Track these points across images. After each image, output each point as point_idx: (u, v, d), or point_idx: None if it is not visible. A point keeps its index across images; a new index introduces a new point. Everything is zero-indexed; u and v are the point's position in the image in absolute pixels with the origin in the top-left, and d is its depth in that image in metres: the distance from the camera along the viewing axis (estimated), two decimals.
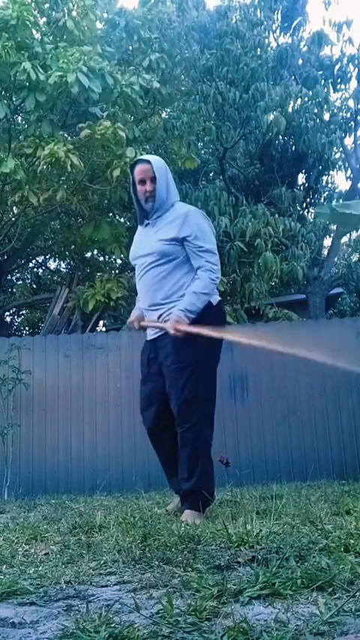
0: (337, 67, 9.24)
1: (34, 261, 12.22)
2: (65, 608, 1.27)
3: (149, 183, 2.74)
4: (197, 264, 2.71)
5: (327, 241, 10.76)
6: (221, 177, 9.30)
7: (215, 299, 2.79)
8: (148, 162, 2.76)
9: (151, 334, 2.83)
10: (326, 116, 8.83)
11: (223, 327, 2.94)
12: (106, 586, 1.45)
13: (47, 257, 12.27)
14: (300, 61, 9.39)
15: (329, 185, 11.19)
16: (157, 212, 2.78)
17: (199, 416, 2.64)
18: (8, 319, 12.48)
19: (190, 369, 2.64)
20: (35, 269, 12.77)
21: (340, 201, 9.68)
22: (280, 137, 9.19)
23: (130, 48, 7.72)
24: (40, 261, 12.50)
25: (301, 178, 10.44)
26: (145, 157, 2.86)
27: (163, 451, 2.86)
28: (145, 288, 2.80)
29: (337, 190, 11.18)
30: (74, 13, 7.08)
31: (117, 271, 9.37)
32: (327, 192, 11.03)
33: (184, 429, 2.63)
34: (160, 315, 2.74)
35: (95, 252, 9.98)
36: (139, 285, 2.87)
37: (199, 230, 2.70)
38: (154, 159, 2.81)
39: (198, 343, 2.64)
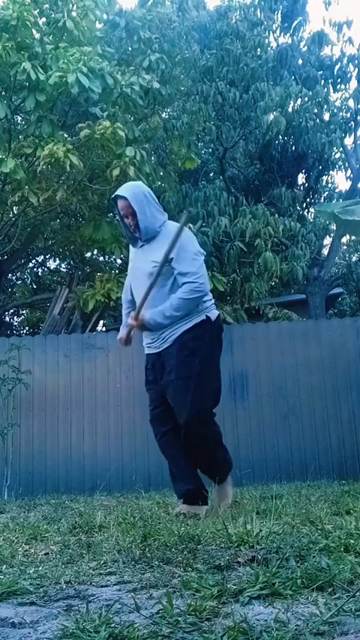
0: (337, 67, 9.25)
1: (34, 261, 12.22)
2: (65, 608, 1.27)
3: (131, 218, 2.82)
4: (180, 281, 2.77)
5: (327, 241, 10.76)
6: (221, 177, 9.30)
7: (214, 314, 2.88)
8: (125, 198, 2.80)
9: (151, 348, 2.88)
10: (326, 116, 8.84)
11: (220, 341, 3.04)
12: (106, 586, 1.45)
13: (47, 257, 12.28)
14: (300, 61, 9.40)
15: (329, 185, 11.21)
16: (146, 236, 2.85)
17: (207, 424, 2.81)
18: (8, 319, 12.48)
19: (194, 382, 2.72)
20: (35, 269, 12.78)
21: (340, 200, 9.68)
22: (280, 137, 9.20)
23: (130, 48, 7.72)
24: (40, 261, 12.50)
25: (301, 178, 10.44)
26: (122, 190, 2.85)
27: (169, 453, 2.89)
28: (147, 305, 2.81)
29: (337, 190, 11.19)
30: (74, 14, 7.08)
31: (117, 271, 9.37)
32: (327, 192, 11.04)
33: (197, 442, 2.77)
34: (163, 336, 2.81)
35: (95, 252, 9.99)
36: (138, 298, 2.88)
37: (182, 251, 2.72)
38: (130, 192, 2.81)
39: (200, 354, 2.76)
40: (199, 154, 9.02)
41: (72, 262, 11.24)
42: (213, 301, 2.93)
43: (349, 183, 10.22)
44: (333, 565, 1.40)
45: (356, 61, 9.27)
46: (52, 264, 12.85)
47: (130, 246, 3.01)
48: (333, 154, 9.86)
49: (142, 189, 2.86)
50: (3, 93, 6.77)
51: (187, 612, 1.15)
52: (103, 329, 10.04)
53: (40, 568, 1.64)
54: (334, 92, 9.43)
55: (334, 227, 9.78)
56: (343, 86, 9.43)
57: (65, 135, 6.74)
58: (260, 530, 1.82)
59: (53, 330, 7.59)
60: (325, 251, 10.51)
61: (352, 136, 9.57)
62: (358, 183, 10.02)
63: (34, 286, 12.54)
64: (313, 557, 1.52)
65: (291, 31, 9.89)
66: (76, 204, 7.58)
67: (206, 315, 2.81)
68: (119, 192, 2.85)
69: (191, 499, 2.74)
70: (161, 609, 1.19)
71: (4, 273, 9.59)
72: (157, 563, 1.61)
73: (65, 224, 9.16)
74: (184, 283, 2.72)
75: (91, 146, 6.85)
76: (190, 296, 2.71)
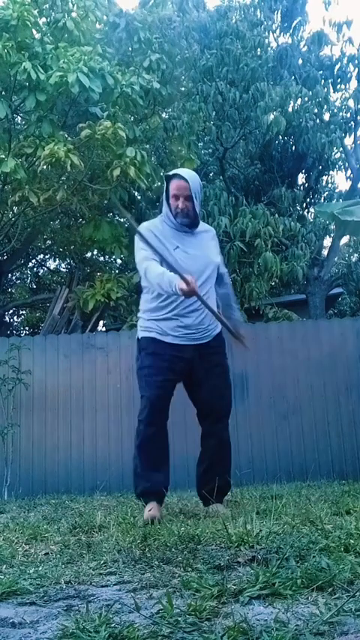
0: (337, 67, 9.24)
1: (33, 261, 12.23)
2: (65, 608, 1.27)
3: (182, 201, 2.81)
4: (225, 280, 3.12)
5: (327, 241, 10.76)
6: (221, 177, 9.30)
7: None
8: (186, 180, 2.80)
9: (190, 339, 2.83)
10: (326, 116, 8.84)
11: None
12: (106, 586, 1.45)
13: (47, 257, 12.28)
14: (300, 61, 9.39)
15: (329, 185, 11.20)
16: (197, 223, 2.92)
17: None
18: (8, 319, 12.48)
19: (229, 374, 3.00)
20: (35, 269, 12.78)
21: (340, 201, 9.68)
22: (280, 137, 9.19)
23: (131, 48, 7.72)
24: (39, 261, 12.50)
25: (301, 178, 10.44)
26: (184, 173, 2.87)
27: (161, 445, 2.81)
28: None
29: (337, 190, 11.18)
30: (74, 14, 7.09)
31: (117, 271, 9.37)
32: (327, 192, 11.03)
33: (225, 429, 2.93)
34: (208, 328, 2.90)
35: (95, 252, 9.99)
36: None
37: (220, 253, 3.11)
38: (191, 178, 2.83)
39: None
40: (199, 154, 9.02)
41: (72, 262, 11.24)
42: None
43: (349, 183, 10.21)
44: (333, 565, 1.40)
45: (356, 61, 9.26)
46: (52, 264, 12.86)
47: (166, 228, 2.88)
48: (333, 153, 9.85)
49: (199, 179, 2.90)
50: (3, 93, 6.77)
51: (187, 612, 1.15)
52: (103, 329, 10.04)
53: (40, 568, 1.64)
54: (334, 92, 9.42)
55: (334, 227, 9.78)
56: (343, 86, 9.42)
57: (66, 135, 6.74)
58: (260, 530, 1.82)
59: (53, 330, 7.59)
60: (325, 251, 10.51)
61: (352, 136, 9.56)
62: (358, 183, 10.01)
63: (34, 286, 12.54)
64: (313, 557, 1.52)
65: (291, 31, 9.88)
66: (76, 204, 7.58)
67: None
68: (181, 173, 2.86)
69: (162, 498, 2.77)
70: (161, 609, 1.19)
71: (4, 273, 9.59)
72: (157, 563, 1.61)
73: (65, 224, 9.16)
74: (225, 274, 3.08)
75: (91, 146, 6.85)
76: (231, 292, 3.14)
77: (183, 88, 8.81)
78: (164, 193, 2.93)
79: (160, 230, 2.87)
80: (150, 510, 2.55)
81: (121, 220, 9.10)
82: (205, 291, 2.83)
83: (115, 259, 10.59)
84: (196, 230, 2.93)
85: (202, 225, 3.02)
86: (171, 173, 2.92)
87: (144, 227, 2.90)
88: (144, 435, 2.75)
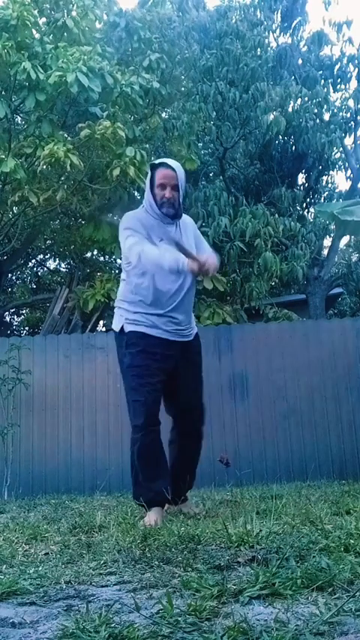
0: (337, 67, 9.25)
1: (33, 261, 12.23)
2: (65, 608, 1.27)
3: (169, 190, 2.73)
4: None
5: (327, 241, 10.76)
6: (221, 177, 9.30)
7: None
8: (173, 170, 2.74)
9: (176, 335, 2.77)
10: (326, 116, 8.84)
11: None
12: (106, 586, 1.45)
13: (47, 257, 12.28)
14: (300, 61, 9.39)
15: (329, 185, 11.19)
16: (180, 214, 2.85)
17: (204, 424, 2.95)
18: (8, 319, 12.48)
19: (201, 377, 2.96)
20: (35, 269, 12.78)
21: (340, 201, 9.68)
22: (280, 137, 9.19)
23: (130, 48, 7.72)
24: (39, 261, 12.51)
25: (301, 178, 10.44)
26: (171, 162, 2.82)
27: (159, 451, 2.72)
28: (181, 298, 2.76)
29: (337, 190, 11.18)
30: (74, 13, 7.09)
31: (117, 271, 9.37)
32: (327, 192, 11.03)
33: (199, 437, 2.91)
34: (191, 326, 2.87)
35: (95, 252, 9.99)
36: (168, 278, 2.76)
37: (204, 241, 3.03)
38: (178, 167, 2.78)
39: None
40: (199, 154, 9.02)
41: (72, 262, 11.24)
42: None
43: (349, 183, 10.22)
44: (333, 565, 1.40)
45: (356, 61, 9.26)
46: (52, 264, 12.86)
47: (150, 219, 2.80)
48: (333, 154, 9.85)
49: (183, 170, 2.85)
50: (3, 93, 6.77)
51: (187, 612, 1.15)
52: (103, 329, 10.03)
53: (40, 568, 1.64)
54: (334, 92, 9.42)
55: (334, 227, 9.78)
56: (343, 86, 9.42)
57: (65, 135, 6.74)
58: (260, 530, 1.82)
59: (53, 330, 7.59)
60: (325, 251, 10.51)
61: (352, 136, 9.56)
62: (358, 183, 10.02)
63: (34, 286, 12.54)
64: (313, 557, 1.52)
65: (291, 31, 9.88)
66: (76, 204, 7.58)
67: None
68: (167, 162, 2.81)
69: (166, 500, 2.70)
70: (161, 609, 1.19)
71: (4, 273, 9.59)
72: (157, 563, 1.61)
73: (65, 224, 9.16)
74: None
75: (91, 146, 6.85)
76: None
77: (183, 88, 8.81)
78: (148, 182, 2.82)
79: (146, 222, 2.79)
80: (152, 517, 2.50)
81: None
82: (189, 283, 2.78)
83: (115, 259, 10.59)
84: (181, 222, 2.86)
85: (183, 216, 2.92)
86: (157, 162, 2.86)
87: (130, 216, 2.83)
88: (143, 443, 2.63)
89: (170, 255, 2.60)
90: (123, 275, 2.86)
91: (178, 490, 2.83)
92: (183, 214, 2.91)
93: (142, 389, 2.66)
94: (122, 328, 2.77)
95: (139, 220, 2.79)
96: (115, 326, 2.83)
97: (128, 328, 2.74)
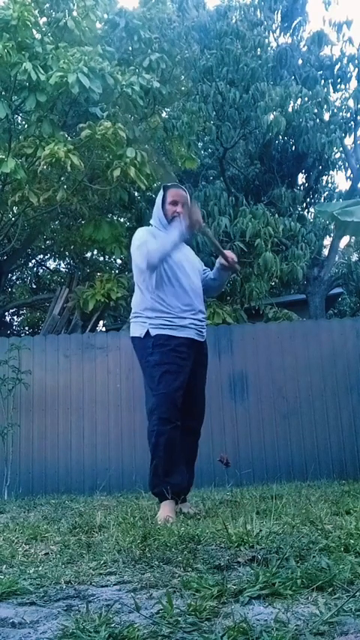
0: (337, 67, 9.24)
1: (33, 261, 12.23)
2: (65, 608, 1.27)
3: (181, 207, 2.98)
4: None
5: (327, 241, 10.76)
6: (221, 177, 9.30)
7: None
8: (185, 190, 3.07)
9: (199, 334, 2.96)
10: (326, 116, 8.83)
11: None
12: (106, 586, 1.45)
13: (47, 257, 12.28)
14: (300, 61, 9.39)
15: (329, 185, 11.19)
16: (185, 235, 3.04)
17: None
18: (8, 319, 12.48)
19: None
20: (35, 269, 12.78)
21: (340, 201, 9.68)
22: (280, 137, 9.19)
23: (130, 48, 7.72)
24: (39, 261, 12.50)
25: (301, 178, 10.44)
26: (180, 185, 3.17)
27: (179, 446, 2.83)
28: (195, 293, 2.99)
29: (337, 190, 11.18)
30: (75, 14, 7.09)
31: (117, 271, 9.38)
32: (327, 192, 11.02)
33: (198, 432, 3.03)
34: (205, 325, 3.05)
35: (95, 252, 9.99)
36: (186, 282, 2.97)
37: None
38: (185, 190, 3.10)
39: None
40: (199, 154, 9.02)
41: (72, 262, 11.24)
42: None
43: (349, 183, 10.21)
44: (333, 565, 1.40)
45: (356, 61, 9.25)
46: (52, 264, 12.87)
47: (158, 232, 3.00)
48: (333, 154, 9.84)
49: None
50: (3, 93, 6.77)
51: (187, 612, 1.15)
52: (103, 329, 10.04)
53: (40, 568, 1.64)
54: (334, 92, 9.41)
55: (334, 227, 9.77)
56: (343, 86, 9.41)
57: (66, 135, 6.74)
58: (260, 530, 1.82)
59: (53, 330, 7.59)
60: (325, 251, 10.51)
61: (352, 136, 9.56)
62: (358, 183, 10.01)
63: (34, 286, 12.54)
64: (313, 557, 1.52)
65: (291, 31, 9.88)
66: (76, 204, 7.58)
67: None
68: (178, 184, 3.15)
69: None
70: (161, 609, 1.19)
71: (4, 273, 9.59)
72: (157, 563, 1.61)
73: (65, 224, 9.16)
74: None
75: (91, 146, 6.86)
76: None
77: (183, 88, 8.81)
78: (159, 200, 3.06)
79: (157, 234, 2.99)
80: (166, 511, 2.62)
81: (121, 220, 9.11)
82: (200, 287, 3.07)
83: (115, 259, 10.59)
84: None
85: None
86: (169, 184, 3.13)
87: (145, 230, 3.04)
88: (170, 436, 2.74)
89: (169, 232, 2.86)
90: (138, 287, 3.01)
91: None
92: None
93: (173, 383, 2.78)
94: (147, 332, 2.89)
95: (150, 233, 3.00)
96: (138, 332, 2.93)
97: (155, 332, 2.87)
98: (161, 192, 3.08)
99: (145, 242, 2.90)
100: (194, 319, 2.93)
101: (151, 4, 8.07)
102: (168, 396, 2.75)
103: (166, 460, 2.74)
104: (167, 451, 2.74)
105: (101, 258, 10.54)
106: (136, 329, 2.95)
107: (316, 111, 8.59)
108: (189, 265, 3.00)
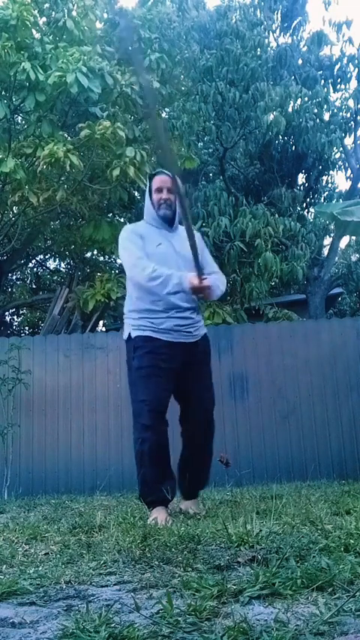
0: (337, 67, 9.24)
1: (33, 261, 12.22)
2: (65, 608, 1.27)
3: (166, 192, 2.91)
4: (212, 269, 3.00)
5: (327, 241, 10.76)
6: (221, 177, 9.30)
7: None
8: (169, 175, 2.92)
9: (185, 334, 2.82)
10: (326, 116, 8.83)
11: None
12: (106, 586, 1.45)
13: (47, 257, 12.28)
14: (300, 61, 9.39)
15: (329, 185, 11.19)
16: (171, 223, 2.94)
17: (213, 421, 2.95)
18: (8, 319, 12.48)
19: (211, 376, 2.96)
20: (35, 269, 12.78)
21: (340, 201, 9.68)
22: (280, 137, 9.19)
23: (130, 47, 7.71)
24: (39, 261, 12.50)
25: (301, 178, 10.44)
26: (167, 170, 2.98)
27: (167, 451, 2.76)
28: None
29: (337, 190, 11.18)
30: (74, 13, 7.08)
31: (117, 271, 9.37)
32: (327, 192, 11.02)
33: (210, 434, 2.90)
34: (198, 325, 2.92)
35: (95, 252, 9.99)
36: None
37: (209, 254, 3.10)
38: (173, 174, 2.93)
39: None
40: (199, 153, 9.02)
41: (72, 262, 11.24)
42: None
43: (349, 183, 10.22)
44: (333, 565, 1.40)
45: (356, 61, 9.26)
46: (52, 264, 12.86)
47: (149, 228, 2.93)
48: (333, 154, 9.84)
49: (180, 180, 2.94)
50: (3, 93, 6.78)
51: (187, 612, 1.15)
52: (103, 329, 10.04)
53: (40, 568, 1.64)
54: (334, 92, 9.42)
55: (334, 227, 9.77)
56: (343, 86, 9.42)
57: (65, 135, 6.73)
58: (260, 530, 1.82)
59: (53, 330, 7.59)
60: (325, 251, 10.51)
61: (352, 136, 9.56)
62: (358, 183, 10.02)
63: (34, 286, 12.54)
64: (313, 557, 1.52)
65: (291, 31, 9.89)
66: (76, 204, 7.58)
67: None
68: (163, 170, 3.00)
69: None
70: (161, 609, 1.18)
71: (4, 273, 9.59)
72: (157, 563, 1.61)
73: (65, 224, 9.16)
74: (215, 273, 2.95)
75: (91, 146, 6.85)
76: (223, 283, 2.99)
77: (183, 88, 8.81)
78: (147, 192, 3.00)
79: (144, 232, 2.91)
80: (161, 516, 2.55)
81: (121, 220, 9.10)
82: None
83: (115, 259, 10.60)
84: (177, 229, 2.96)
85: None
86: (154, 172, 3.07)
87: (129, 229, 2.94)
88: (152, 443, 2.66)
89: (175, 275, 2.69)
90: (127, 286, 2.97)
91: (187, 486, 2.93)
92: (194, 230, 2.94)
93: (146, 389, 2.69)
94: (129, 335, 2.84)
95: (134, 232, 2.92)
96: (124, 335, 2.90)
97: (135, 333, 2.81)
98: (148, 183, 3.02)
99: (130, 249, 2.81)
100: (180, 318, 2.78)
101: (151, 4, 8.06)
102: (148, 403, 2.66)
103: (152, 467, 2.68)
104: (152, 458, 2.67)
105: (101, 258, 10.55)
106: (124, 331, 2.92)
107: (316, 111, 8.59)
108: (176, 259, 2.81)
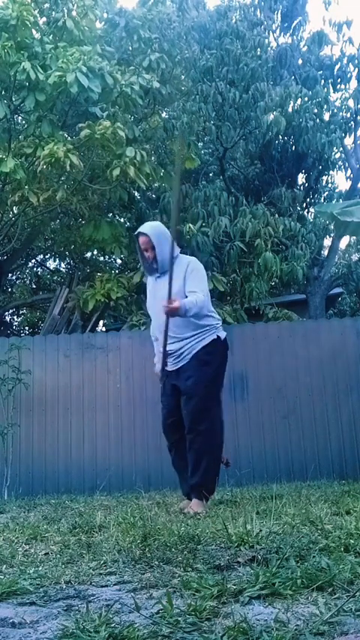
0: (337, 67, 9.24)
1: (33, 261, 12.22)
2: (65, 608, 1.27)
3: (150, 251, 3.25)
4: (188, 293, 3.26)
5: (327, 241, 10.75)
6: (221, 177, 9.29)
7: (222, 334, 3.33)
8: (146, 235, 3.23)
9: (171, 366, 3.24)
10: (326, 116, 8.83)
11: (226, 357, 3.41)
12: (106, 586, 1.45)
13: (47, 257, 12.28)
14: (300, 61, 9.39)
15: (329, 185, 11.18)
16: (163, 269, 3.25)
17: (207, 424, 3.19)
18: (8, 319, 12.47)
19: (204, 384, 3.19)
20: (35, 269, 12.77)
21: (340, 201, 9.68)
22: (280, 137, 9.18)
23: (130, 48, 7.71)
24: (40, 261, 12.50)
25: (301, 178, 10.43)
26: (145, 228, 3.28)
27: (180, 461, 3.26)
28: (160, 326, 3.25)
29: (337, 190, 11.17)
30: (74, 13, 7.08)
31: (117, 271, 9.37)
32: (327, 192, 11.01)
33: (194, 434, 3.15)
34: (181, 354, 3.24)
35: (95, 252, 9.98)
36: (154, 317, 3.34)
37: (195, 278, 3.24)
38: (151, 230, 3.25)
39: (212, 365, 3.26)
40: (199, 153, 9.02)
41: (72, 262, 11.24)
42: (221, 322, 3.41)
43: (349, 183, 10.21)
44: (333, 565, 1.40)
45: (356, 61, 9.25)
46: (52, 264, 12.86)
47: (149, 277, 3.41)
48: (333, 154, 9.83)
49: (161, 229, 3.29)
50: (3, 93, 6.77)
51: (187, 612, 1.15)
52: (103, 329, 10.04)
53: (40, 568, 1.64)
54: (334, 92, 9.41)
55: (334, 227, 9.77)
56: (343, 86, 9.41)
57: (65, 135, 6.73)
58: (260, 530, 1.82)
59: (53, 330, 7.59)
60: (325, 251, 10.51)
61: (352, 136, 9.55)
62: (358, 183, 10.01)
63: (34, 286, 12.53)
64: (313, 557, 1.52)
65: (291, 31, 9.88)
66: (76, 204, 7.58)
67: (217, 335, 3.28)
68: (142, 229, 3.29)
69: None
70: (161, 609, 1.19)
71: (4, 273, 9.59)
72: (157, 563, 1.61)
73: (65, 224, 9.16)
74: (191, 292, 3.17)
75: (91, 146, 6.85)
76: (197, 302, 3.11)
77: (183, 88, 8.81)
78: (138, 250, 3.37)
79: (149, 285, 3.42)
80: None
81: (121, 220, 9.11)
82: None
83: (115, 259, 10.60)
84: (166, 270, 3.18)
85: (179, 260, 3.23)
86: (136, 232, 3.34)
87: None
88: (172, 457, 3.34)
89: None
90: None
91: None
92: (184, 256, 3.32)
93: (163, 416, 3.42)
94: (218, 336, 3.32)
95: (147, 289, 3.45)
96: (207, 335, 3.30)
97: (223, 335, 3.34)
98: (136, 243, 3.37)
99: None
100: (163, 352, 3.18)
101: (151, 4, 8.06)
102: (163, 428, 3.36)
103: (177, 474, 3.36)
104: (174, 467, 3.38)
105: (101, 258, 10.54)
106: (204, 330, 3.31)
107: (316, 111, 8.58)
108: (154, 300, 3.28)
